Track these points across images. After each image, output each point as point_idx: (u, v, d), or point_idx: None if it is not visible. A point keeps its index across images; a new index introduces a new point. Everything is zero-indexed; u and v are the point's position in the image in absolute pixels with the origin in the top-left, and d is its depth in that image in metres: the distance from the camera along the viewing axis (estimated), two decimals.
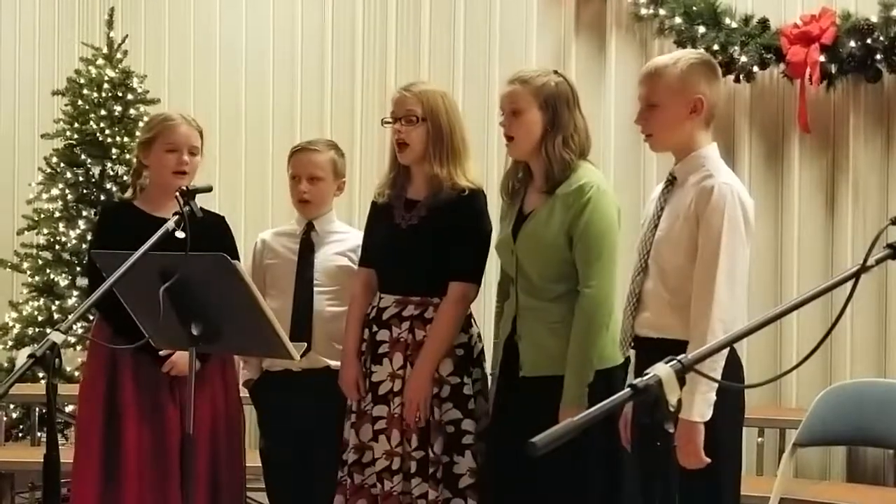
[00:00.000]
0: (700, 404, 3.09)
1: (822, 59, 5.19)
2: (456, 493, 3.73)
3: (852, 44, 5.16)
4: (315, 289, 4.11)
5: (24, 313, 6.14)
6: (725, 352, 3.08)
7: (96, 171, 6.20)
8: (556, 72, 3.70)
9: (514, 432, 3.54)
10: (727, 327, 3.06)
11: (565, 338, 3.52)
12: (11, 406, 6.14)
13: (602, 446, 3.46)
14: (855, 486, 5.19)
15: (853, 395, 4.69)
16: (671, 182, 3.34)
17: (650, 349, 3.19)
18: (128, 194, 4.32)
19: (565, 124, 3.58)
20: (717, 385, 3.05)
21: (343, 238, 4.21)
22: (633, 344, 3.36)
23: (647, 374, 1.89)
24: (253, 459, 4.26)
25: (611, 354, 3.56)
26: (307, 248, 4.16)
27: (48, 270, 6.15)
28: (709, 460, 3.11)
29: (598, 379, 3.50)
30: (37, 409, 5.87)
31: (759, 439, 5.26)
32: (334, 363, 4.01)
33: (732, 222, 3.15)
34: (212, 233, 3.93)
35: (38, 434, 5.85)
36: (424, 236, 3.80)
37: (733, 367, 3.18)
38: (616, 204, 3.62)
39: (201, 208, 3.99)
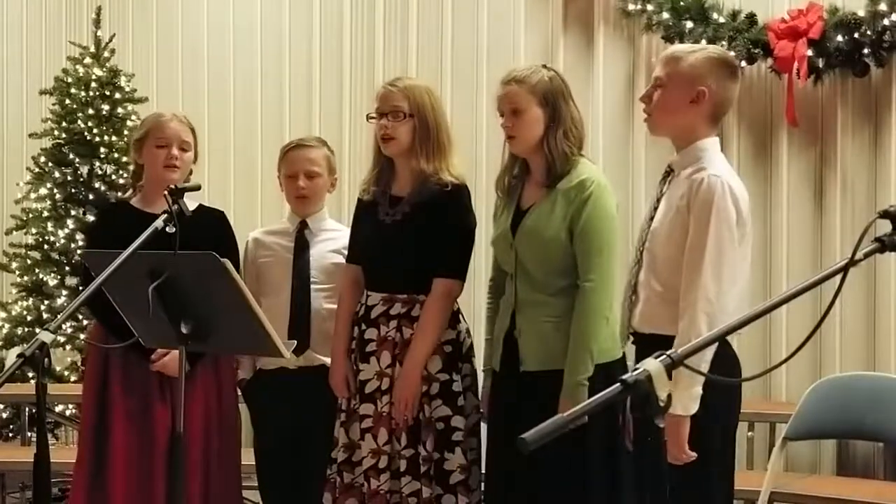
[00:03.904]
0: (684, 399, 3.08)
1: (809, 53, 5.20)
2: (447, 490, 3.73)
3: (839, 38, 5.17)
4: (312, 287, 4.10)
5: (13, 313, 6.13)
6: (714, 345, 3.08)
7: (84, 170, 6.19)
8: (545, 66, 3.71)
9: (516, 428, 3.56)
10: (712, 321, 3.06)
11: (567, 332, 3.52)
12: (1, 406, 6.14)
13: (603, 442, 3.47)
14: (845, 480, 5.20)
15: (843, 389, 4.70)
16: (668, 174, 3.35)
17: (647, 345, 3.19)
18: (128, 194, 4.34)
19: (564, 118, 3.60)
20: (703, 379, 3.04)
21: (336, 236, 4.20)
22: (631, 339, 3.37)
23: (636, 368, 1.90)
24: (247, 458, 4.25)
25: (610, 349, 3.57)
26: (302, 245, 4.15)
27: (37, 270, 6.13)
28: (694, 455, 3.11)
29: (597, 373, 3.49)
30: (26, 409, 5.85)
31: (749, 433, 5.27)
32: (330, 361, 4.00)
33: (721, 214, 3.15)
34: (209, 232, 3.94)
35: (29, 434, 5.83)
36: (408, 232, 3.79)
37: (730, 364, 3.18)
38: (615, 199, 3.64)
39: (200, 205, 4.02)
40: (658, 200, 3.33)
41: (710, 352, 3.06)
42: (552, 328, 3.57)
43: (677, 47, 3.44)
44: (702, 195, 3.17)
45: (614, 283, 3.58)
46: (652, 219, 3.33)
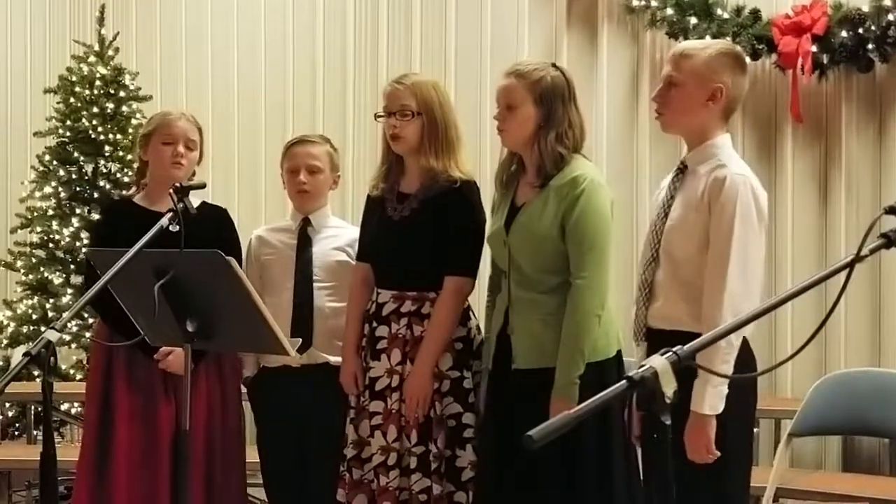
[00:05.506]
0: (712, 397, 3.08)
1: (813, 49, 5.21)
2: (459, 487, 3.73)
3: (844, 34, 5.18)
4: (315, 284, 4.11)
5: (19, 312, 6.14)
6: (738, 343, 3.08)
7: (89, 168, 6.19)
8: (554, 65, 3.67)
9: (508, 425, 3.56)
10: None
11: (558, 330, 3.50)
12: (7, 405, 6.14)
13: (595, 438, 3.46)
14: (850, 476, 5.20)
15: (848, 385, 4.70)
16: (682, 171, 3.33)
17: (667, 342, 3.17)
18: (131, 191, 4.35)
19: (559, 120, 3.56)
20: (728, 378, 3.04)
21: (339, 233, 4.20)
22: (645, 336, 3.34)
23: (643, 365, 1.89)
24: (252, 456, 4.26)
25: (603, 347, 3.55)
26: (304, 242, 4.15)
27: (42, 268, 6.14)
28: (718, 454, 3.11)
29: (589, 372, 3.47)
30: (32, 408, 5.87)
31: (755, 430, 5.25)
32: (333, 359, 4.00)
33: (745, 213, 3.14)
34: (211, 232, 3.93)
35: (35, 432, 5.85)
36: (416, 228, 3.79)
37: (746, 359, 3.17)
38: (610, 197, 3.60)
39: (203, 202, 4.02)
40: (672, 197, 3.31)
41: (733, 350, 3.06)
42: (544, 326, 3.54)
43: (688, 44, 3.41)
44: (725, 193, 3.15)
45: (607, 280, 3.54)
46: (666, 216, 3.30)
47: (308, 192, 4.15)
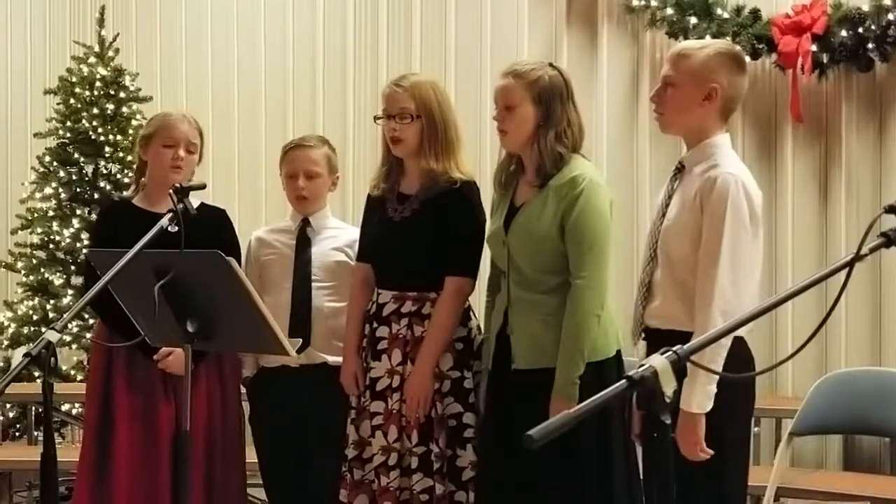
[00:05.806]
0: (700, 396, 3.08)
1: (813, 48, 5.21)
2: (459, 486, 3.74)
3: (844, 33, 5.18)
4: (313, 284, 4.11)
5: (19, 313, 6.14)
6: (727, 343, 3.08)
7: (89, 169, 6.19)
8: (551, 64, 3.67)
9: (508, 425, 3.57)
10: (728, 318, 3.02)
11: (558, 330, 3.50)
12: (8, 405, 6.15)
13: (595, 438, 3.47)
14: (851, 475, 5.20)
15: (848, 384, 4.70)
16: (679, 170, 3.33)
17: (664, 341, 3.17)
18: (129, 192, 4.35)
19: (558, 119, 3.57)
20: (717, 377, 3.05)
21: (338, 234, 4.21)
22: (643, 335, 3.35)
23: (642, 365, 1.90)
24: (252, 456, 4.26)
25: (602, 347, 3.55)
26: (304, 243, 4.16)
27: (42, 269, 6.14)
28: (711, 452, 3.10)
29: (589, 371, 3.48)
30: (33, 409, 5.87)
31: (756, 429, 5.27)
32: (332, 359, 4.01)
33: (736, 212, 3.14)
34: (210, 233, 3.92)
35: (35, 433, 5.85)
36: (417, 229, 3.79)
37: (743, 359, 3.17)
38: (609, 196, 3.60)
39: (202, 203, 4.03)
40: (669, 197, 3.31)
41: (723, 350, 3.06)
42: (544, 326, 3.54)
43: (685, 44, 3.42)
44: (716, 193, 3.15)
45: (607, 280, 3.54)
46: (664, 216, 3.31)
47: (307, 197, 4.16)
